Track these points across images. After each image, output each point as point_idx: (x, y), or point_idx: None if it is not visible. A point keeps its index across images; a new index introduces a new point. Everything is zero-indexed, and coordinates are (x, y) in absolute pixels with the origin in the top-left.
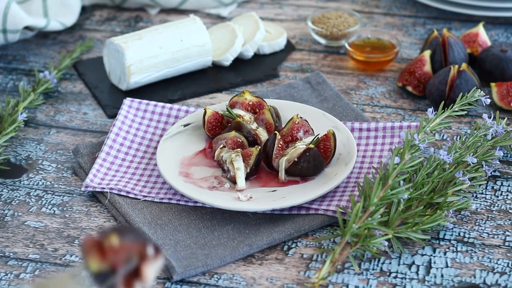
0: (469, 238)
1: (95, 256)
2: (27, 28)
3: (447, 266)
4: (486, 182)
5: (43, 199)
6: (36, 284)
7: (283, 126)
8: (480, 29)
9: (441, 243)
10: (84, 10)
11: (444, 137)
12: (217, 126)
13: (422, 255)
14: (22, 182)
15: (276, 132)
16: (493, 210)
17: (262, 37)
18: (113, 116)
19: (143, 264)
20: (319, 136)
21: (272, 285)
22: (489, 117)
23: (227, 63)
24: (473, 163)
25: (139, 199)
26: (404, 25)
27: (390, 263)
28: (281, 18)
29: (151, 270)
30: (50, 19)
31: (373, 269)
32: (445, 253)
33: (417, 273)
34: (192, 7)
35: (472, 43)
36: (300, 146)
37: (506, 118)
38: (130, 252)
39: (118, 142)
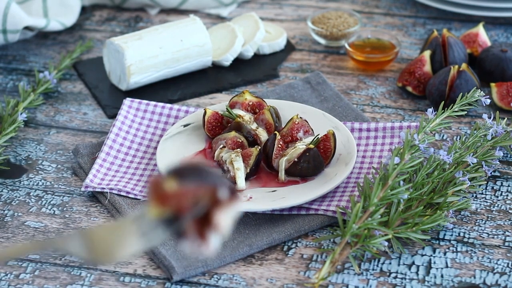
0: (469, 238)
1: (156, 200)
2: (27, 28)
3: (447, 267)
4: (486, 182)
5: (43, 199)
6: (93, 232)
7: (283, 126)
8: (480, 29)
9: (441, 243)
10: (84, 10)
11: (444, 137)
12: (217, 126)
13: (422, 255)
14: (22, 183)
15: (276, 132)
16: (493, 210)
17: (262, 37)
18: (113, 116)
19: (214, 210)
20: (319, 136)
21: (272, 285)
22: (489, 117)
23: (227, 63)
24: (473, 163)
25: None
26: (404, 25)
27: (390, 263)
28: (281, 18)
29: (224, 216)
30: (50, 19)
31: (373, 269)
32: (445, 253)
33: (417, 273)
34: (192, 7)
35: (472, 43)
36: (300, 146)
37: (506, 118)
38: (195, 196)
39: (118, 142)
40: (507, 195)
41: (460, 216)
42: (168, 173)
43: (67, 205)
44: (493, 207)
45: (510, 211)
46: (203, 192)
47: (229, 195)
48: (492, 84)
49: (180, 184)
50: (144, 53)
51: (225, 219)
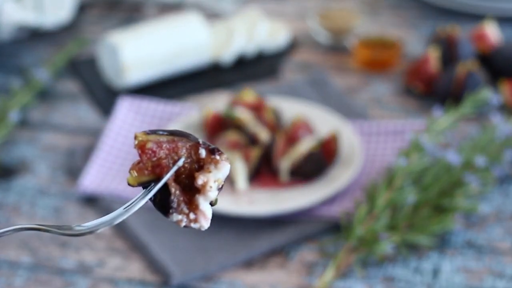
0: (477, 242)
1: (133, 166)
2: (21, 26)
3: (454, 271)
4: (495, 184)
5: (36, 201)
6: None
7: (284, 126)
8: (488, 26)
9: (449, 247)
10: (80, 7)
11: (452, 138)
12: (217, 126)
13: (429, 259)
14: (14, 184)
15: (277, 132)
16: (502, 214)
17: (263, 35)
18: (109, 115)
19: (197, 171)
20: (322, 136)
21: None
22: (499, 117)
23: (227, 60)
24: (481, 165)
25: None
26: (410, 23)
27: (395, 267)
28: (283, 16)
29: (206, 175)
30: (44, 16)
31: (377, 274)
32: (452, 258)
33: (423, 278)
34: (192, 4)
35: (480, 40)
36: (303, 147)
37: None
38: (173, 151)
39: (115, 142)
40: None
41: (468, 219)
42: (141, 132)
43: (61, 208)
44: (502, 210)
45: None
46: (182, 148)
47: (213, 153)
48: (503, 83)
49: (152, 138)
50: (141, 51)
51: (211, 177)
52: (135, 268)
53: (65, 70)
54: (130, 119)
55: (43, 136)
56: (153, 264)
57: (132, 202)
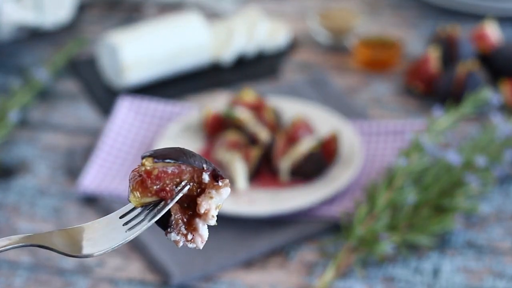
0: (477, 242)
1: (136, 186)
2: (20, 25)
3: (454, 271)
4: (495, 184)
5: (36, 201)
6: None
7: (285, 126)
8: (488, 26)
9: (449, 247)
10: (80, 7)
11: (452, 138)
12: (217, 126)
13: (429, 259)
14: (14, 184)
15: (277, 132)
16: (502, 214)
17: (263, 35)
18: (109, 115)
19: (199, 195)
20: (322, 136)
21: None
22: (499, 117)
23: (227, 61)
24: (481, 165)
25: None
26: (410, 23)
27: (395, 268)
28: (283, 15)
29: (211, 201)
30: (44, 16)
31: (377, 274)
32: (452, 258)
33: (423, 278)
34: (192, 4)
35: (480, 40)
36: (303, 147)
37: None
38: (177, 176)
39: (115, 142)
40: None
41: (468, 219)
42: (146, 155)
43: (61, 208)
44: (502, 210)
45: None
46: (186, 173)
47: (216, 178)
48: (503, 82)
49: (159, 166)
50: (141, 50)
51: (212, 205)
52: (135, 268)
53: (65, 70)
54: (130, 119)
55: (43, 136)
56: (153, 264)
57: (135, 223)
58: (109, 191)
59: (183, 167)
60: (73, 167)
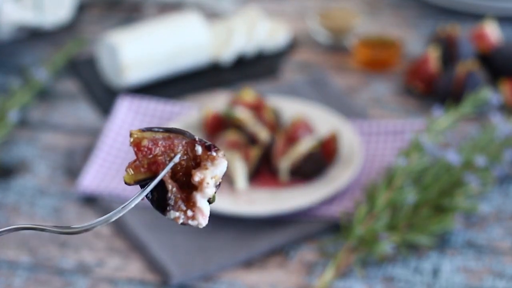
0: (477, 242)
1: (129, 164)
2: (20, 25)
3: (454, 271)
4: (495, 184)
5: (36, 201)
6: None
7: (284, 125)
8: (488, 25)
9: (449, 247)
10: (79, 7)
11: (452, 138)
12: (217, 126)
13: (429, 259)
14: (14, 184)
15: (277, 132)
16: (502, 214)
17: (263, 35)
18: (108, 115)
19: (194, 168)
20: (322, 136)
21: None
22: (499, 117)
23: (227, 60)
24: (481, 165)
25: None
26: (410, 22)
27: (395, 267)
28: (283, 15)
29: (203, 172)
30: (44, 16)
31: (377, 274)
32: (452, 258)
33: (423, 278)
34: (191, 4)
35: (480, 40)
36: (302, 147)
37: None
38: (169, 148)
39: (114, 142)
40: None
41: (468, 219)
42: (136, 129)
43: (61, 208)
44: (502, 210)
45: None
46: (178, 145)
47: (209, 149)
48: (503, 82)
49: (147, 135)
50: (140, 50)
51: (208, 174)
52: (134, 268)
53: (65, 70)
54: (129, 118)
55: (43, 136)
56: (152, 264)
57: (130, 201)
58: (108, 191)
59: (175, 139)
60: (72, 167)
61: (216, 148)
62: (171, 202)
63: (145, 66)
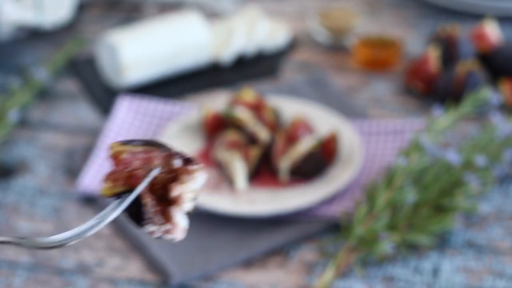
0: (477, 242)
1: (107, 176)
2: (20, 25)
3: (454, 271)
4: (495, 184)
5: (36, 201)
6: None
7: (284, 125)
8: (488, 25)
9: (449, 247)
10: (79, 7)
11: (452, 138)
12: (216, 126)
13: (429, 259)
14: (14, 184)
15: (277, 131)
16: (502, 214)
17: (263, 34)
18: (108, 115)
19: (172, 182)
20: (322, 136)
21: None
22: (499, 117)
23: (227, 60)
24: (481, 165)
25: None
26: (410, 22)
27: (395, 267)
28: (283, 15)
29: (180, 186)
30: (44, 16)
31: (377, 274)
32: (452, 258)
33: (423, 278)
34: (191, 4)
35: (480, 40)
36: (302, 146)
37: None
38: (146, 161)
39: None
40: None
41: (468, 219)
42: (116, 142)
43: (61, 208)
44: (502, 210)
45: None
46: (156, 158)
47: (188, 163)
48: (503, 82)
49: (126, 148)
50: (140, 50)
51: (184, 189)
52: (134, 268)
53: (65, 70)
54: (129, 118)
55: (43, 135)
56: (152, 264)
57: (105, 213)
58: None
59: (153, 152)
60: (72, 167)
61: (194, 162)
62: (148, 216)
63: (145, 66)
